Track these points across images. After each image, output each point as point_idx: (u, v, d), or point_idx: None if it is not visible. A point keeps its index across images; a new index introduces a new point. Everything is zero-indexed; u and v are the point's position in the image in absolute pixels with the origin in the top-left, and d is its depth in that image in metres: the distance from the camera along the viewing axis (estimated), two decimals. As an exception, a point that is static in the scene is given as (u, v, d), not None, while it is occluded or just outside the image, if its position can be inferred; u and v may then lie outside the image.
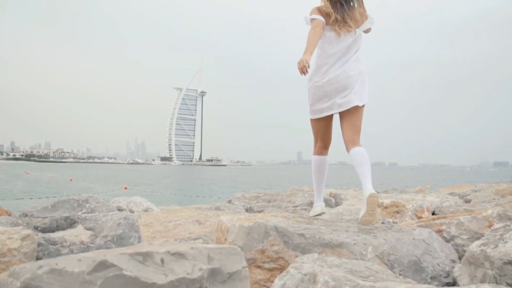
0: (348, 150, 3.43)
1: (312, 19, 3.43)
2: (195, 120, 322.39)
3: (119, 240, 2.86)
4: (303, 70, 3.17)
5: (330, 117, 3.57)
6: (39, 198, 23.59)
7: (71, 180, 47.32)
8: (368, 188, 3.19)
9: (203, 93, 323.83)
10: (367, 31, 3.60)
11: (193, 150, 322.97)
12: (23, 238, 2.39)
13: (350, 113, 3.42)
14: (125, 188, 33.59)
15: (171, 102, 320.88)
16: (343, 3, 3.47)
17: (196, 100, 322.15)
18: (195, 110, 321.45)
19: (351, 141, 3.41)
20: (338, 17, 3.41)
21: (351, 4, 3.53)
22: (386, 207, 5.05)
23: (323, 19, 3.41)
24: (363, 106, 3.48)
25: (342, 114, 3.47)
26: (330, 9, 3.40)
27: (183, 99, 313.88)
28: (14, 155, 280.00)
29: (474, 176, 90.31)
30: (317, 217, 3.58)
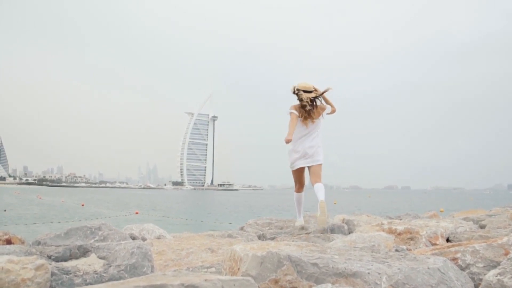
0: (313, 184, 5.80)
1: (291, 113, 5.77)
2: (206, 144, 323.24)
3: (132, 270, 2.85)
4: (288, 142, 5.61)
5: (303, 169, 5.97)
6: (51, 222, 23.71)
7: (83, 205, 47.48)
8: (320, 198, 5.51)
9: (214, 118, 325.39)
10: (331, 112, 6.00)
11: (204, 175, 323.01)
12: (37, 268, 2.40)
13: (315, 167, 5.84)
14: (136, 213, 33.66)
15: (183, 126, 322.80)
16: (308, 106, 5.73)
17: (208, 124, 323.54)
18: (207, 134, 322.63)
19: (315, 181, 5.79)
20: (305, 115, 5.76)
21: (315, 104, 5.82)
22: (399, 234, 4.99)
23: (296, 113, 5.76)
24: (321, 164, 5.91)
25: (310, 168, 5.90)
26: (299, 111, 5.77)
27: (194, 123, 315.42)
28: (27, 180, 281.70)
29: (488, 199, 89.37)
30: (300, 229, 5.83)
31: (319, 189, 5.71)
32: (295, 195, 6.11)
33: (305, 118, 5.78)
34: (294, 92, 5.85)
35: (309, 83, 5.85)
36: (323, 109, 5.91)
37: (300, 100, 5.81)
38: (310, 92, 5.78)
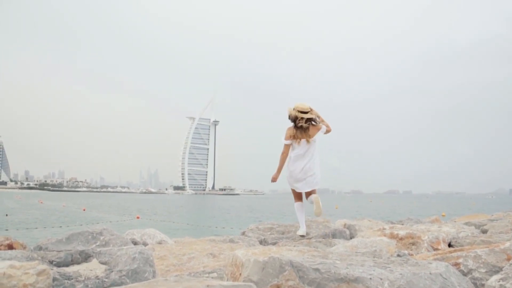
0: (307, 197, 6.20)
1: (285, 145, 6.16)
2: (208, 149, 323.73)
3: (134, 275, 2.85)
4: (274, 181, 6.21)
5: None
6: (53, 227, 23.71)
7: (84, 210, 47.46)
8: (313, 194, 6.10)
9: (216, 122, 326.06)
10: (326, 132, 6.21)
11: (206, 179, 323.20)
12: (39, 273, 2.40)
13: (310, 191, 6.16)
14: (137, 217, 33.64)
15: (184, 131, 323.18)
16: (303, 126, 6.01)
17: (209, 129, 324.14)
18: (208, 139, 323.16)
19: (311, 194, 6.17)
20: (299, 135, 6.03)
21: (309, 124, 6.05)
22: (401, 239, 4.99)
23: (290, 142, 6.14)
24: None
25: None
26: (294, 133, 6.06)
27: (196, 128, 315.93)
28: (28, 184, 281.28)
29: (490, 204, 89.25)
30: (300, 237, 6.16)
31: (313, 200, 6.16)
32: (295, 204, 6.37)
33: (298, 138, 6.07)
34: (290, 117, 6.12)
35: (305, 104, 6.16)
36: (318, 129, 6.16)
37: (295, 120, 6.10)
38: (306, 112, 6.06)
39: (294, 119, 6.08)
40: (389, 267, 2.73)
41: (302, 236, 6.18)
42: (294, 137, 6.09)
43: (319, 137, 6.19)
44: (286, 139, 6.18)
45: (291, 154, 6.18)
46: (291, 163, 6.16)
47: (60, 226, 24.08)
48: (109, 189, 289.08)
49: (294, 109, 6.08)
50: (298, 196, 6.34)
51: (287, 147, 6.19)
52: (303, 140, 6.06)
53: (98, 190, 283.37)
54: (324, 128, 6.19)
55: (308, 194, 6.23)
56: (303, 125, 6.02)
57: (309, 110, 6.11)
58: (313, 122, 6.14)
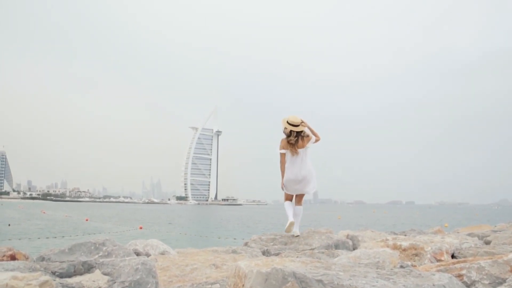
0: (295, 204, 6.99)
1: (281, 154, 6.81)
2: (210, 159, 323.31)
3: (137, 286, 2.85)
4: (283, 187, 6.90)
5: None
6: (55, 237, 23.71)
7: (87, 220, 47.45)
8: (291, 219, 6.71)
9: (218, 133, 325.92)
10: (315, 142, 6.80)
11: (208, 190, 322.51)
12: (41, 285, 2.40)
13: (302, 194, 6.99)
14: (140, 228, 33.65)
15: (187, 141, 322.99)
16: (292, 139, 6.61)
17: (212, 139, 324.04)
18: (211, 149, 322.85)
19: (298, 203, 7.03)
20: (290, 147, 6.65)
21: (301, 135, 6.65)
22: (404, 250, 4.98)
23: (284, 151, 6.76)
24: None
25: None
26: (286, 146, 6.73)
27: (198, 138, 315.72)
28: (31, 194, 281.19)
29: (493, 215, 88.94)
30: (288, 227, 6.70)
31: (298, 214, 6.99)
32: (285, 203, 7.01)
33: (290, 149, 6.68)
34: (285, 132, 6.71)
35: (297, 117, 6.73)
36: (309, 138, 6.77)
37: (288, 135, 6.72)
38: (297, 125, 6.65)
39: (287, 135, 6.67)
40: (392, 279, 2.72)
41: (291, 223, 6.69)
42: (286, 147, 6.75)
43: (310, 145, 6.80)
44: (280, 149, 6.84)
45: (286, 163, 6.80)
46: (287, 170, 6.77)
47: (63, 237, 24.10)
48: (112, 199, 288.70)
49: (287, 122, 6.65)
50: (288, 197, 7.00)
51: (283, 156, 6.83)
52: (294, 150, 6.68)
53: (101, 200, 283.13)
54: (313, 138, 6.80)
55: (297, 202, 7.01)
56: (292, 140, 6.63)
57: (300, 123, 6.68)
58: (303, 134, 6.71)
